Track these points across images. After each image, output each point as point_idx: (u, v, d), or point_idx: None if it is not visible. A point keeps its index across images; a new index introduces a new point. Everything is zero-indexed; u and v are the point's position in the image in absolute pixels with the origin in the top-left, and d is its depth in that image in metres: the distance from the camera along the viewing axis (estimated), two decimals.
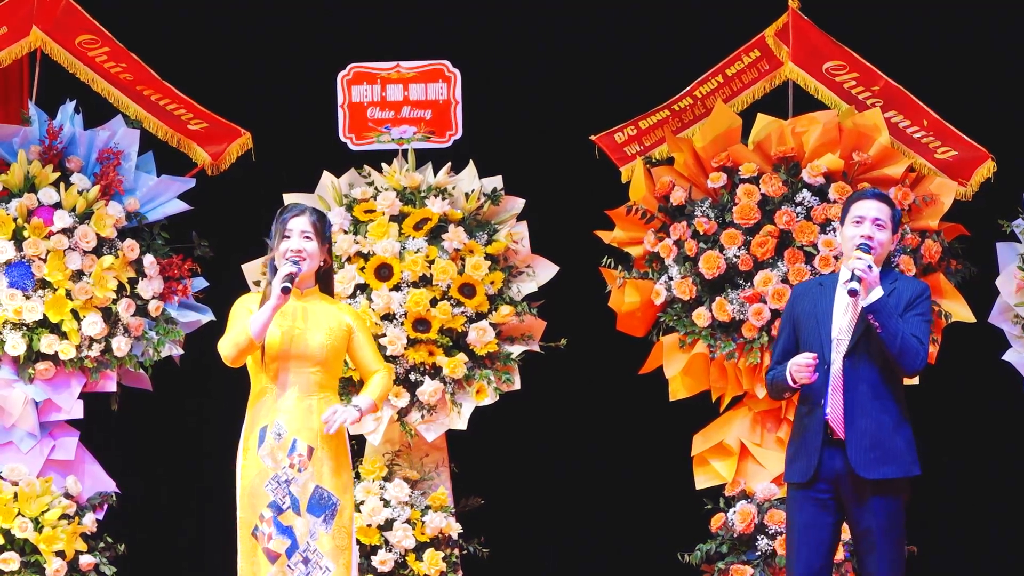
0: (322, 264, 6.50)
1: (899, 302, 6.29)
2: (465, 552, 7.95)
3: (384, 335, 7.67)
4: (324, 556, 6.33)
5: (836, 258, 7.48)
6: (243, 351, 6.34)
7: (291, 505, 6.35)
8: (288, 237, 6.40)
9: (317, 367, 6.42)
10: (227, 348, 6.37)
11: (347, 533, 6.43)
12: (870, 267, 6.19)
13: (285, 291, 6.27)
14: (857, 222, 6.35)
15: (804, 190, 7.67)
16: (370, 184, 8.00)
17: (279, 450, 6.37)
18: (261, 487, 6.37)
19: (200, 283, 8.05)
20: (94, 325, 7.64)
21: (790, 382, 6.30)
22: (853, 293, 6.19)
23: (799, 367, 6.24)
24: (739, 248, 7.65)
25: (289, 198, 7.94)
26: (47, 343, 7.62)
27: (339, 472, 6.42)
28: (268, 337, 6.35)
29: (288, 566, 6.32)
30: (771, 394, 6.61)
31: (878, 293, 6.21)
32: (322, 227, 6.46)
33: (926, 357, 6.27)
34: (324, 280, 6.56)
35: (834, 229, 7.51)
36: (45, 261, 7.65)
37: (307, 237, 6.41)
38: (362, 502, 7.73)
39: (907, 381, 6.50)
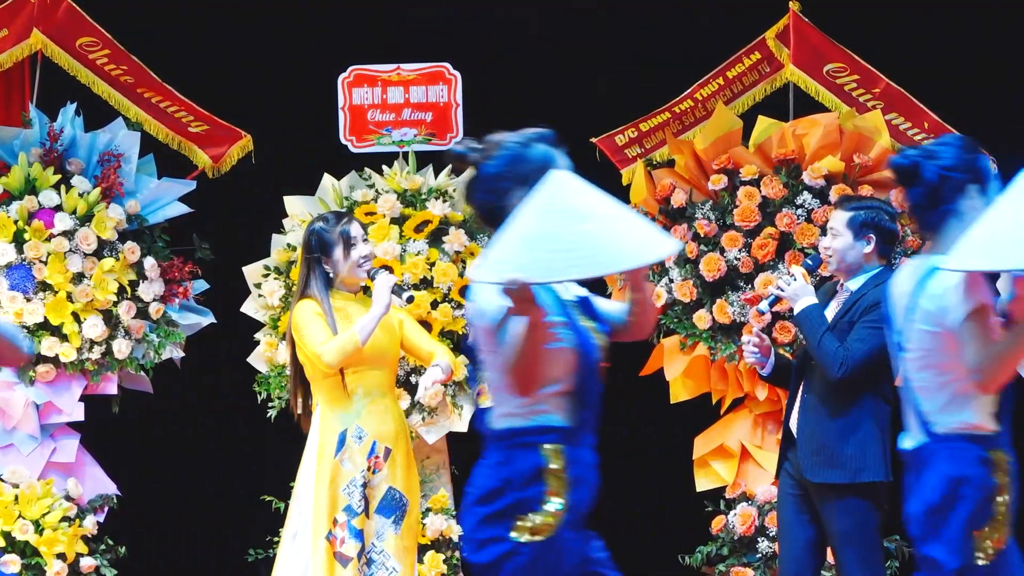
0: None
1: (857, 308, 6.31)
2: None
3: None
4: (391, 557, 6.40)
5: None
6: (350, 358, 6.37)
7: (364, 509, 6.40)
8: (354, 245, 6.49)
9: (386, 368, 6.52)
10: (334, 355, 6.34)
11: (414, 534, 6.53)
12: (789, 282, 6.34)
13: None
14: (822, 235, 6.47)
15: (805, 192, 7.67)
16: (371, 186, 7.99)
17: (359, 453, 6.42)
18: (338, 492, 6.41)
19: (201, 285, 8.05)
20: (95, 327, 7.64)
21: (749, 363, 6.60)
22: (760, 314, 6.36)
23: (746, 345, 6.52)
24: (740, 250, 7.65)
25: (290, 201, 7.94)
26: (48, 345, 7.62)
27: (410, 473, 6.53)
28: None
29: (358, 569, 6.37)
30: None
31: (805, 303, 6.29)
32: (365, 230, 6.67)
33: (853, 364, 6.21)
34: None
35: None
36: (46, 264, 7.65)
37: (366, 241, 6.56)
38: None
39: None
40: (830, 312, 6.38)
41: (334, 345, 6.35)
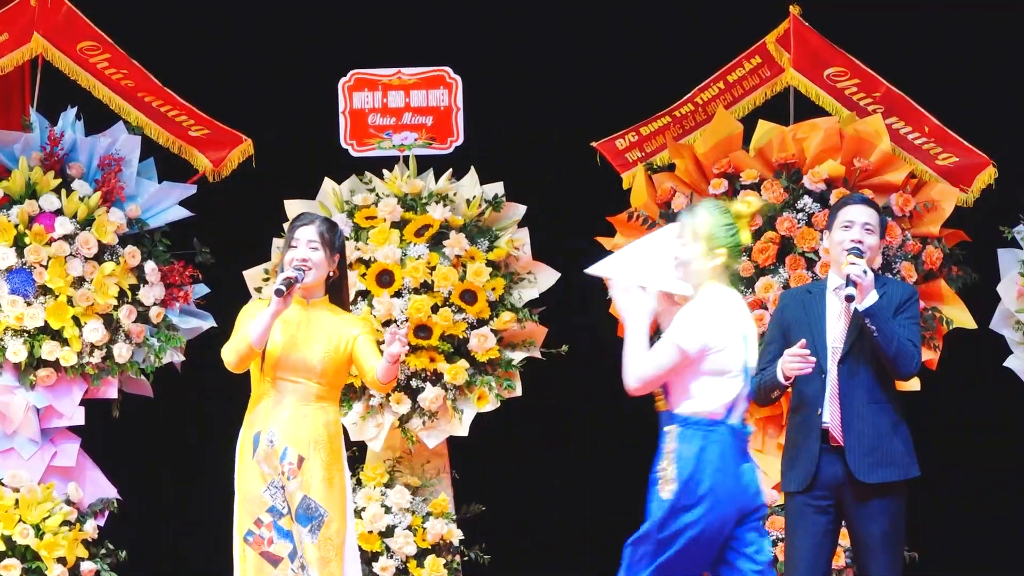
0: (331, 275, 6.43)
1: (889, 305, 6.31)
2: (466, 559, 7.95)
3: (385, 341, 7.67)
4: (309, 566, 6.31)
5: None
6: (244, 357, 6.33)
7: (289, 511, 6.35)
8: (295, 247, 6.36)
9: (316, 378, 6.38)
10: (229, 354, 6.36)
11: (334, 546, 6.35)
12: (865, 272, 6.21)
13: (278, 293, 6.21)
14: (846, 227, 6.37)
15: (805, 196, 7.67)
16: (371, 190, 8.00)
17: (273, 456, 6.36)
18: (258, 492, 6.36)
19: (201, 289, 8.06)
20: (95, 332, 7.64)
21: (781, 379, 6.27)
22: (850, 299, 6.20)
23: (793, 357, 6.18)
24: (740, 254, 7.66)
25: (290, 205, 7.95)
26: (48, 350, 7.63)
27: (330, 484, 6.36)
28: (269, 345, 6.32)
29: (292, 569, 6.32)
30: (758, 399, 6.60)
31: (874, 297, 6.22)
32: (331, 237, 6.39)
33: (920, 360, 6.30)
34: (335, 291, 6.47)
35: None
36: (46, 268, 7.65)
37: (313, 247, 6.35)
38: (363, 508, 7.73)
39: (906, 387, 6.51)
40: (833, 310, 6.35)
41: (228, 345, 6.36)
